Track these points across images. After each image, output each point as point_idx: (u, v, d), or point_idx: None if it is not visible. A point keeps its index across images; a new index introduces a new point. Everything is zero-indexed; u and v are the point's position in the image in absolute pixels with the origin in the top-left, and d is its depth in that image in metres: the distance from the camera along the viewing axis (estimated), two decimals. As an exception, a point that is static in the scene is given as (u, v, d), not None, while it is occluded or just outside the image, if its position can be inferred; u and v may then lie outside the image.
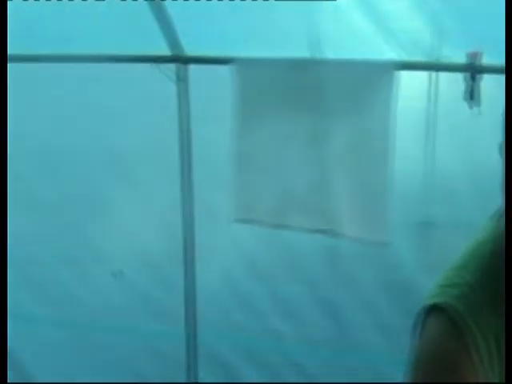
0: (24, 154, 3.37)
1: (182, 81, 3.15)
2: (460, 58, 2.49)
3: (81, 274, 3.57)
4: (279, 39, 2.96)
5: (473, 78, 2.60)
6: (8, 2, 1.96)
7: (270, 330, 3.31)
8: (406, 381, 1.03)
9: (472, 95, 2.62)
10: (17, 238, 3.61)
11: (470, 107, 2.65)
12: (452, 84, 2.94)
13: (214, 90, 3.09)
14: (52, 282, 3.58)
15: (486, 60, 2.46)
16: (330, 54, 2.81)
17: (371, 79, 2.74)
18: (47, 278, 3.59)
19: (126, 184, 3.41)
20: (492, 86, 2.59)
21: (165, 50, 3.11)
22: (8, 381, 3.52)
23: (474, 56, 2.53)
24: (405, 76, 2.50)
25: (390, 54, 2.57)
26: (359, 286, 3.32)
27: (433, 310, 1.06)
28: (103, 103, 3.30)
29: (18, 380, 3.51)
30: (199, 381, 3.31)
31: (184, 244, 3.26)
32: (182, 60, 3.13)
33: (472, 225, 1.27)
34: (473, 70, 2.57)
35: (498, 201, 1.04)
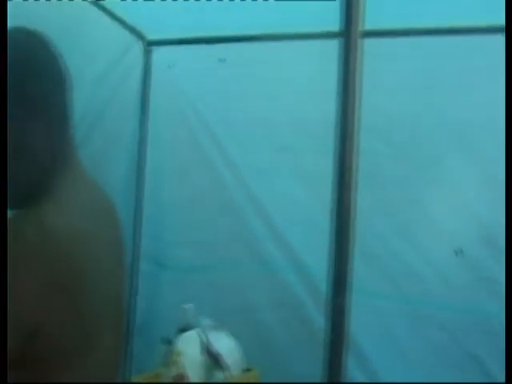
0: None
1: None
2: None
3: (420, 249, 3.57)
4: None
5: None
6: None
7: None
8: None
9: None
10: (357, 211, 3.71)
11: None
12: None
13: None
14: (390, 255, 3.63)
15: None
16: None
17: None
18: (385, 252, 3.65)
19: (468, 160, 3.33)
20: None
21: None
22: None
23: None
24: None
25: None
26: None
27: None
28: (445, 76, 3.26)
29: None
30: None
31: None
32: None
33: None
34: None
35: None
